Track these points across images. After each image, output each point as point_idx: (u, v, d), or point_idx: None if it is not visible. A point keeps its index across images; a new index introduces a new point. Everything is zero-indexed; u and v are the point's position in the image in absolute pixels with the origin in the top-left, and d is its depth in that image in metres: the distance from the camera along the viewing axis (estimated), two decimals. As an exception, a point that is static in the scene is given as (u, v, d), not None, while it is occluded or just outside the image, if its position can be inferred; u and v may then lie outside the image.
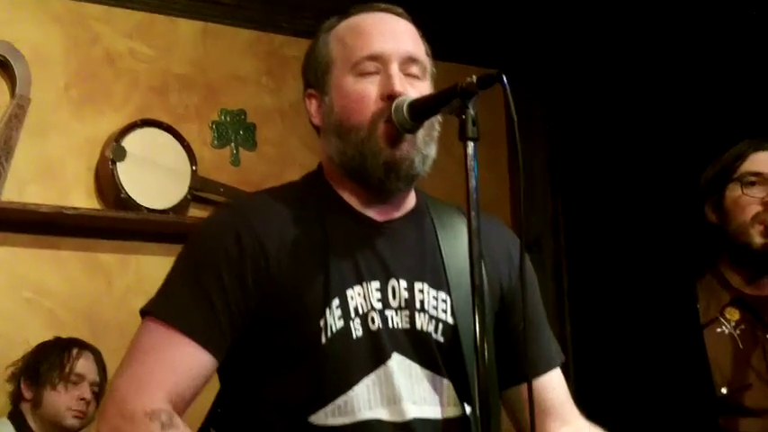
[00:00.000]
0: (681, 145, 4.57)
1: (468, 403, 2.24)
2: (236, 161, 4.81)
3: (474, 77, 1.95)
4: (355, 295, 2.18)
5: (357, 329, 2.16)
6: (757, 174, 3.14)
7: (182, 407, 2.09)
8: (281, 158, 4.83)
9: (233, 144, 4.82)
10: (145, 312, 2.14)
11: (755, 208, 3.10)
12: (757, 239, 3.09)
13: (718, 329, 3.14)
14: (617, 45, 5.13)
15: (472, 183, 1.94)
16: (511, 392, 2.35)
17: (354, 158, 2.21)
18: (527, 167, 4.74)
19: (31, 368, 3.98)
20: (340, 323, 2.14)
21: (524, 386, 2.20)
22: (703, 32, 4.77)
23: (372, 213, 2.27)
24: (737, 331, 3.14)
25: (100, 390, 4.02)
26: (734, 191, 3.16)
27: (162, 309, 2.13)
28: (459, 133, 1.96)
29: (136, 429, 2.03)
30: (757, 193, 3.12)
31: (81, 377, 3.95)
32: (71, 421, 3.94)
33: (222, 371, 2.21)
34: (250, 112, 4.86)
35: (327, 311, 2.14)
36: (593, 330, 3.57)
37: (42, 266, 4.40)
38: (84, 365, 3.98)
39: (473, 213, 1.94)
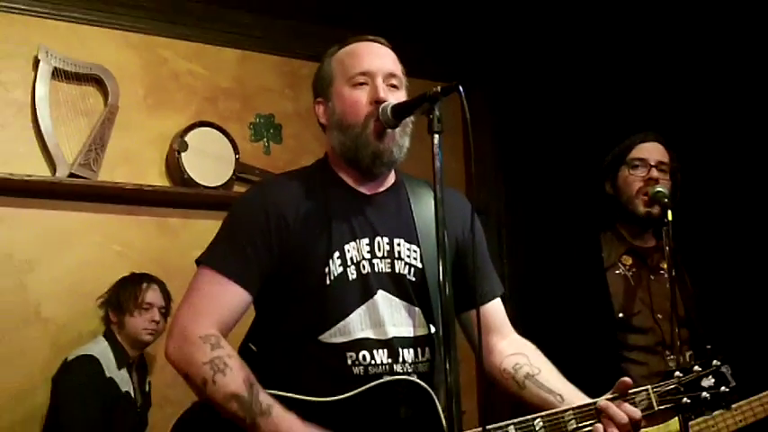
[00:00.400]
0: (590, 136, 4.51)
1: (434, 325, 2.33)
2: (267, 151, 4.83)
3: (439, 87, 2.03)
4: (351, 249, 2.28)
5: (352, 273, 2.27)
6: (640, 159, 3.23)
7: (225, 331, 2.20)
8: (300, 149, 4.85)
9: (265, 139, 4.84)
10: (199, 262, 2.29)
11: (638, 184, 3.20)
12: (640, 208, 3.19)
13: (617, 271, 3.22)
14: (545, 59, 5.09)
15: (437, 164, 2.03)
16: (464, 316, 2.41)
17: (351, 149, 2.30)
18: (477, 153, 4.79)
19: (113, 299, 4.00)
20: (340, 269, 2.26)
21: (474, 311, 2.29)
22: (611, 43, 4.74)
23: (363, 189, 2.37)
24: (630, 273, 3.22)
25: (166, 311, 4.03)
26: (624, 172, 3.25)
27: (211, 259, 2.26)
28: (428, 128, 2.03)
29: (193, 348, 2.14)
30: (640, 173, 3.21)
31: (150, 305, 3.98)
32: (146, 338, 3.97)
33: (257, 304, 2.31)
34: (277, 115, 4.89)
35: (330, 261, 2.26)
36: (525, 270, 3.56)
37: (127, 227, 4.44)
38: (152, 295, 4.01)
39: (438, 187, 2.02)
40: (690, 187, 3.34)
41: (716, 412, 2.90)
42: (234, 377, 2.12)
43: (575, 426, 2.24)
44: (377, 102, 2.28)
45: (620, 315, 3.16)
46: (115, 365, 3.87)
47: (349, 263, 2.28)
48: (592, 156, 3.64)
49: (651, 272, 3.24)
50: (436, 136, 2.04)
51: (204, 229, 4.51)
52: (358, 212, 2.34)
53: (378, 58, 2.36)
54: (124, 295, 3.98)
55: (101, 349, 3.90)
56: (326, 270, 2.26)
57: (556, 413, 2.25)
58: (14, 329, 4.15)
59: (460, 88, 2.01)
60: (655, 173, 3.21)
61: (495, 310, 2.51)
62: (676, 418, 2.87)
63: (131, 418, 3.89)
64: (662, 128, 3.50)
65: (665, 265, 3.15)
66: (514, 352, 2.45)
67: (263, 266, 2.25)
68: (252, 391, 2.12)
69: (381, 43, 2.41)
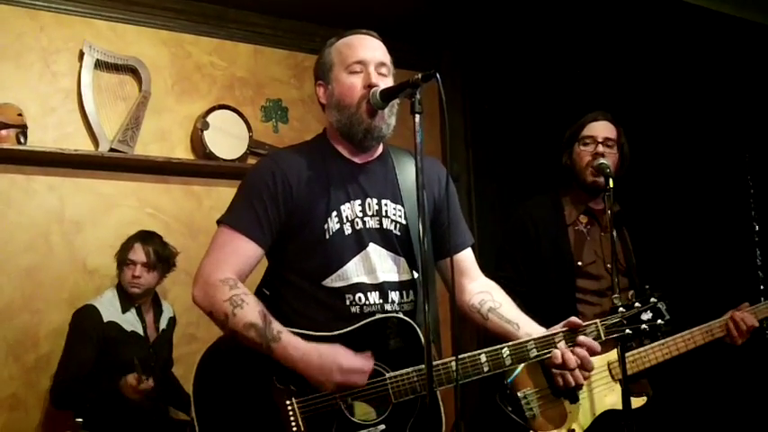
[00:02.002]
0: (550, 113, 4.47)
1: (416, 271, 2.37)
2: (275, 130, 4.80)
3: (419, 75, 2.05)
4: (345, 208, 2.31)
5: (347, 229, 2.30)
6: (590, 137, 3.21)
7: (241, 279, 2.21)
8: (303, 129, 4.81)
9: (274, 120, 4.81)
10: (219, 222, 2.30)
11: (587, 158, 3.18)
12: (589, 178, 3.17)
13: (576, 227, 3.22)
14: (510, 45, 5.01)
15: (418, 139, 2.04)
16: (441, 262, 2.46)
17: (346, 125, 2.31)
18: (450, 129, 4.79)
19: (117, 255, 3.94)
20: (337, 226, 2.29)
21: (449, 258, 2.41)
22: (569, 26, 4.65)
23: (356, 159, 2.39)
24: (586, 229, 3.22)
25: (151, 267, 3.87)
26: (577, 147, 3.24)
27: (229, 218, 2.28)
28: (410, 109, 2.06)
29: (214, 290, 2.16)
30: (589, 149, 3.19)
31: (133, 261, 3.85)
32: (132, 290, 3.85)
33: (269, 255, 2.33)
34: (284, 100, 4.85)
35: (329, 219, 2.28)
36: (493, 225, 3.50)
37: (158, 193, 4.45)
38: (135, 253, 3.87)
39: (418, 158, 2.04)
40: (635, 158, 3.32)
41: (648, 346, 2.98)
42: (250, 310, 2.14)
43: (536, 353, 2.31)
44: (369, 86, 2.28)
45: (579, 263, 3.16)
46: (119, 310, 3.84)
47: (345, 220, 2.30)
48: (552, 130, 3.61)
49: (602, 230, 3.23)
50: (417, 116, 2.04)
51: (223, 194, 4.58)
52: (351, 178, 2.35)
53: (371, 49, 2.35)
54: (120, 251, 3.93)
55: (108, 298, 3.87)
56: (326, 226, 2.27)
57: (520, 343, 2.31)
58: (65, 279, 4.18)
59: (438, 75, 2.03)
60: (600, 148, 3.19)
61: (467, 257, 2.54)
62: (615, 349, 2.91)
63: (138, 350, 3.80)
64: (612, 105, 3.48)
65: (612, 225, 3.18)
66: (481, 290, 2.50)
67: (272, 224, 2.26)
68: (266, 321, 2.14)
69: (374, 36, 2.40)
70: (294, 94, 4.92)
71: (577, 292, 3.15)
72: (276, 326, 2.15)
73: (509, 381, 2.92)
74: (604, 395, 2.98)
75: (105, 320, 3.77)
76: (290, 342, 2.14)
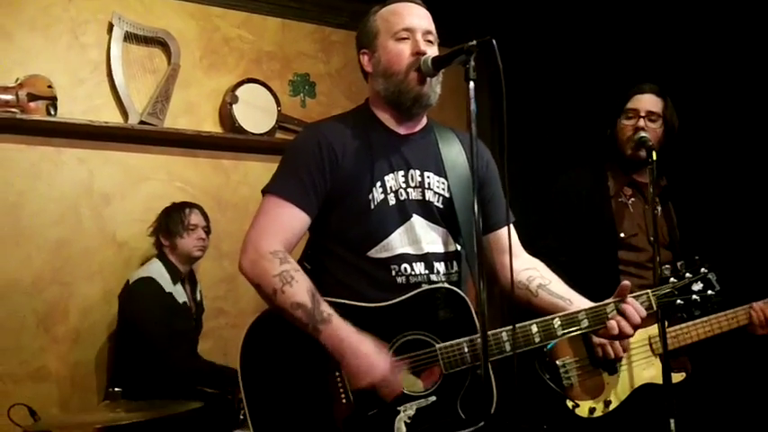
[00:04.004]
0: (593, 85, 4.37)
1: (459, 244, 2.34)
2: (303, 105, 4.78)
3: (474, 41, 2.00)
4: (390, 179, 2.26)
5: (391, 200, 2.26)
6: (633, 110, 3.17)
7: (288, 249, 2.18)
8: (330, 103, 4.80)
9: (302, 94, 4.78)
10: (265, 191, 2.25)
11: (629, 132, 3.15)
12: (628, 151, 3.14)
13: (620, 200, 3.20)
14: (546, 13, 4.85)
15: (472, 107, 1.98)
16: (485, 238, 2.38)
17: (394, 93, 2.28)
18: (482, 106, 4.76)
19: (163, 225, 3.95)
20: (381, 196, 2.25)
21: (493, 234, 2.39)
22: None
23: (399, 130, 2.34)
24: (629, 201, 3.19)
25: (208, 230, 4.02)
26: (620, 120, 3.20)
27: (275, 187, 2.23)
28: (464, 76, 1.99)
29: (264, 262, 2.12)
30: (631, 122, 3.16)
31: (196, 225, 3.93)
32: (197, 254, 3.95)
33: (311, 228, 2.28)
34: (312, 74, 4.82)
35: (373, 190, 2.24)
36: (532, 201, 3.40)
37: (187, 167, 4.43)
38: (196, 218, 3.96)
39: (473, 125, 1.97)
40: (685, 131, 3.26)
41: (690, 322, 2.95)
42: (300, 288, 2.11)
43: (587, 324, 2.27)
44: (418, 53, 2.24)
45: (622, 235, 3.14)
46: (170, 282, 3.85)
47: (389, 191, 2.26)
48: (594, 102, 3.55)
49: (646, 203, 3.20)
50: (471, 83, 1.98)
51: (251, 169, 4.63)
52: (395, 149, 2.31)
53: (418, 17, 2.31)
54: (172, 221, 3.92)
55: (157, 270, 3.88)
56: (370, 197, 2.24)
57: (571, 313, 2.27)
58: (95, 251, 4.17)
59: (494, 42, 1.97)
60: (642, 122, 3.15)
61: (510, 232, 2.45)
62: (656, 324, 2.89)
63: (188, 321, 3.88)
64: (658, 76, 3.41)
65: (657, 199, 3.13)
66: (527, 267, 2.44)
67: (318, 193, 2.22)
68: (314, 301, 2.10)
69: (420, 4, 2.35)
70: (321, 68, 4.89)
71: (619, 263, 3.12)
72: (326, 308, 2.11)
73: (548, 348, 2.91)
74: (643, 369, 2.97)
75: (166, 291, 3.80)
76: (341, 327, 2.09)
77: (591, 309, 2.29)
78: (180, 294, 3.88)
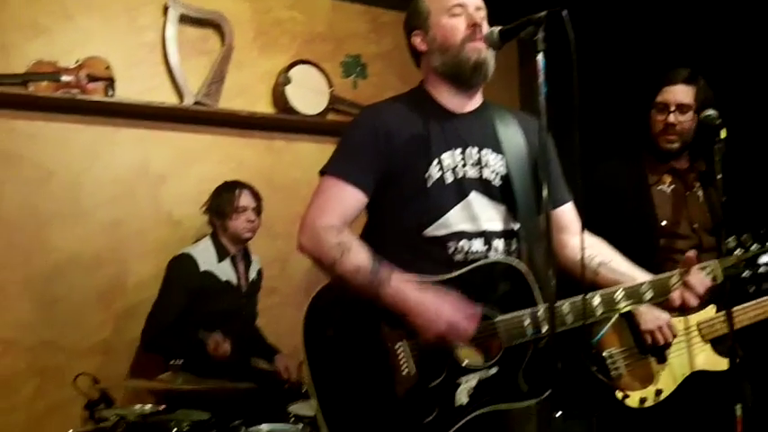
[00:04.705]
0: (632, 65, 4.28)
1: (518, 221, 2.35)
2: (354, 86, 4.79)
3: (544, 12, 1.98)
4: (446, 157, 2.28)
5: (448, 178, 2.27)
6: (663, 103, 3.12)
7: (346, 227, 2.22)
8: (381, 84, 4.80)
9: (353, 75, 4.79)
10: (323, 172, 2.29)
11: (659, 126, 3.12)
12: (662, 145, 3.12)
13: (659, 187, 3.16)
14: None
15: (541, 79, 1.96)
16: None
17: (452, 66, 2.30)
18: (530, 83, 4.71)
19: (213, 206, 3.97)
20: (438, 174, 2.26)
21: (552, 212, 2.28)
22: None
23: (455, 108, 2.36)
24: (670, 189, 3.15)
25: (259, 210, 4.00)
26: (652, 112, 3.16)
27: (332, 168, 2.27)
28: (533, 48, 1.98)
29: (321, 235, 2.17)
30: (661, 117, 3.12)
31: (245, 207, 3.92)
32: (247, 235, 3.95)
33: (368, 208, 2.31)
34: (363, 56, 4.83)
35: (430, 168, 2.26)
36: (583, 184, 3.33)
37: (241, 148, 4.48)
38: (245, 199, 3.94)
39: (542, 98, 1.96)
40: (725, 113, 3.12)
41: (740, 306, 2.91)
42: (358, 254, 2.14)
43: (650, 295, 2.27)
44: (474, 25, 2.28)
45: (663, 223, 3.11)
46: (216, 260, 3.89)
47: (445, 169, 2.27)
48: (633, 87, 3.51)
49: (687, 188, 3.17)
50: (540, 55, 1.97)
51: (303, 150, 4.66)
52: (451, 128, 2.32)
53: None
54: (222, 202, 3.95)
55: (203, 248, 3.92)
56: (427, 175, 2.26)
57: (634, 285, 2.27)
58: (150, 230, 4.26)
59: (564, 13, 1.94)
60: (672, 118, 3.10)
61: (567, 211, 2.48)
62: (706, 309, 2.91)
63: (233, 299, 3.91)
64: (694, 57, 3.37)
65: (698, 183, 3.17)
66: (588, 246, 2.37)
67: (374, 173, 2.26)
68: (374, 262, 2.13)
69: None
70: (373, 49, 4.89)
71: (661, 252, 3.08)
72: (385, 269, 2.13)
73: (594, 340, 2.90)
74: (694, 356, 2.94)
75: (201, 270, 3.83)
76: (400, 287, 2.11)
77: (654, 280, 2.29)
78: (224, 273, 3.91)
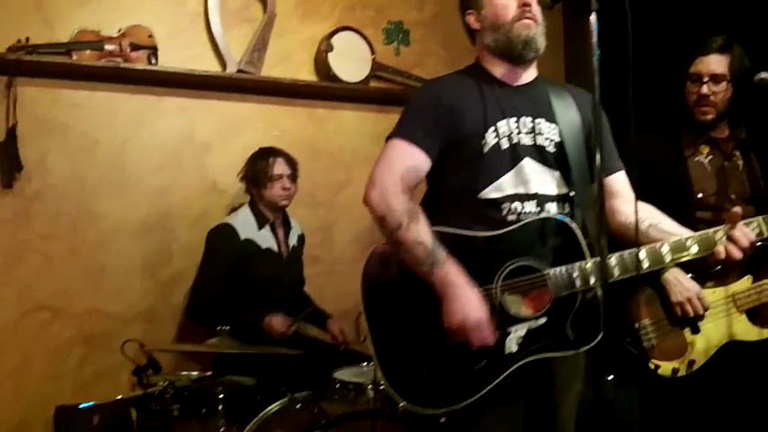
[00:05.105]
0: (668, 37, 4.24)
1: (571, 187, 2.43)
2: (397, 53, 4.74)
3: None
4: (502, 125, 2.39)
5: (504, 144, 2.38)
6: (696, 74, 3.08)
7: (411, 189, 2.34)
8: (423, 51, 4.79)
9: (396, 42, 4.74)
10: (389, 137, 2.41)
11: (693, 98, 3.09)
12: (697, 116, 3.08)
13: (696, 159, 3.13)
14: None
15: (594, 38, 1.98)
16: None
17: (504, 42, 2.42)
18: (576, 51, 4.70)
19: (249, 174, 3.97)
20: (494, 141, 2.38)
21: (604, 180, 2.37)
22: None
23: (510, 81, 2.48)
24: (707, 159, 3.12)
25: (294, 177, 3.98)
26: (687, 83, 3.13)
27: (400, 132, 2.40)
28: (588, 6, 1.99)
29: (392, 197, 2.27)
30: (694, 88, 3.09)
31: (280, 175, 3.91)
32: (283, 203, 3.94)
33: (429, 173, 2.42)
34: (406, 22, 4.77)
35: (486, 135, 2.38)
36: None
37: (283, 116, 4.47)
38: (280, 167, 3.93)
39: (595, 59, 1.97)
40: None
41: None
42: (423, 227, 2.25)
43: (696, 250, 2.34)
44: (524, 4, 2.38)
45: (699, 195, 3.09)
46: (256, 228, 3.90)
47: (501, 136, 2.38)
48: (672, 56, 3.41)
49: (725, 158, 3.13)
50: (593, 15, 1.98)
51: (346, 119, 4.67)
52: (506, 98, 2.44)
53: None
54: (256, 171, 3.95)
55: (243, 216, 3.94)
56: (483, 142, 2.37)
57: (679, 239, 2.36)
58: (196, 199, 4.28)
59: None
60: (705, 89, 3.05)
61: (619, 179, 2.57)
62: (741, 280, 2.94)
63: (274, 266, 3.92)
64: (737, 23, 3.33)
65: (738, 152, 3.15)
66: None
67: (438, 139, 2.38)
68: (435, 243, 2.23)
69: None
70: (415, 15, 4.83)
71: (698, 223, 2.98)
72: (443, 252, 2.22)
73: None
74: (728, 326, 2.95)
75: (242, 238, 3.84)
76: (451, 271, 2.21)
77: (699, 234, 2.36)
78: (264, 240, 3.92)
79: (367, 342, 2.30)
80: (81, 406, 3.26)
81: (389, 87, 4.65)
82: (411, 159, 2.35)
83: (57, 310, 3.97)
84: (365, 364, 3.54)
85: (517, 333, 2.26)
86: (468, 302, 2.18)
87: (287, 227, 4.09)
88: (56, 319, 3.97)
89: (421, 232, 2.23)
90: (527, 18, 2.38)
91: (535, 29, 2.39)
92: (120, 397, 3.29)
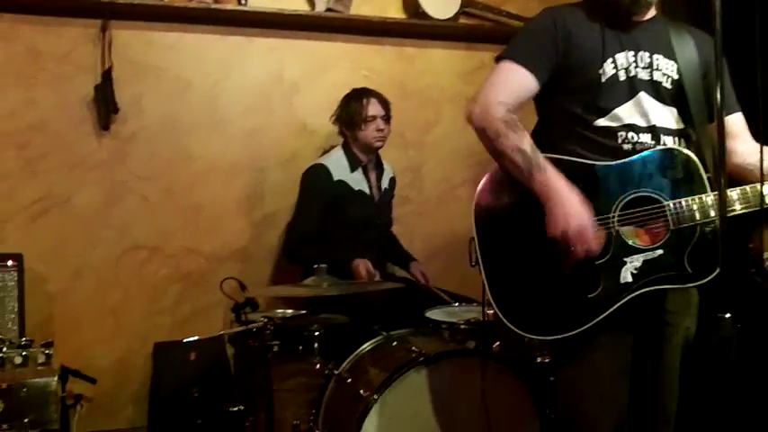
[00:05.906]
0: None
1: (687, 123, 2.42)
2: (488, -12, 4.60)
3: None
4: (620, 57, 2.37)
5: (621, 76, 2.36)
6: None
7: (516, 108, 2.35)
8: (514, -12, 4.66)
9: (486, -23, 4.58)
10: (499, 58, 2.41)
11: None
12: None
13: None
14: None
15: None
16: (712, 125, 2.36)
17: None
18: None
19: (342, 116, 3.93)
20: (611, 72, 2.36)
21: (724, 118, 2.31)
22: None
23: (629, 15, 2.42)
24: None
25: (387, 117, 3.93)
26: None
27: (510, 53, 2.39)
28: None
29: (492, 108, 2.29)
30: None
31: (374, 117, 3.86)
32: (377, 144, 3.90)
33: (538, 98, 2.42)
34: (495, -41, 4.62)
35: (604, 65, 2.35)
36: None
37: (372, 55, 4.45)
38: (374, 108, 3.88)
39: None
40: None
41: None
42: (522, 135, 2.27)
43: None
44: None
45: None
46: (348, 170, 3.89)
47: (619, 68, 2.36)
48: None
49: None
50: None
51: (435, 57, 4.61)
52: (625, 31, 2.41)
53: None
54: (350, 112, 3.91)
55: (336, 157, 3.92)
56: (601, 71, 2.35)
57: None
58: (286, 140, 4.32)
59: None
60: None
61: (736, 121, 2.50)
62: None
63: (365, 208, 3.91)
64: None
65: None
66: (755, 152, 2.42)
67: (549, 62, 2.37)
68: (534, 150, 2.26)
69: None
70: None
71: None
72: (543, 159, 2.24)
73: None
74: None
75: (335, 179, 3.84)
76: (554, 177, 2.22)
77: None
78: (357, 182, 3.91)
79: (478, 268, 2.31)
80: (185, 340, 3.33)
81: (479, 24, 4.55)
82: (518, 81, 2.35)
83: (153, 249, 4.09)
84: (456, 304, 3.56)
85: (633, 263, 2.25)
86: (570, 207, 2.18)
87: (379, 169, 4.08)
88: (153, 257, 4.09)
89: (519, 140, 2.25)
90: None
91: None
92: (222, 332, 3.36)
